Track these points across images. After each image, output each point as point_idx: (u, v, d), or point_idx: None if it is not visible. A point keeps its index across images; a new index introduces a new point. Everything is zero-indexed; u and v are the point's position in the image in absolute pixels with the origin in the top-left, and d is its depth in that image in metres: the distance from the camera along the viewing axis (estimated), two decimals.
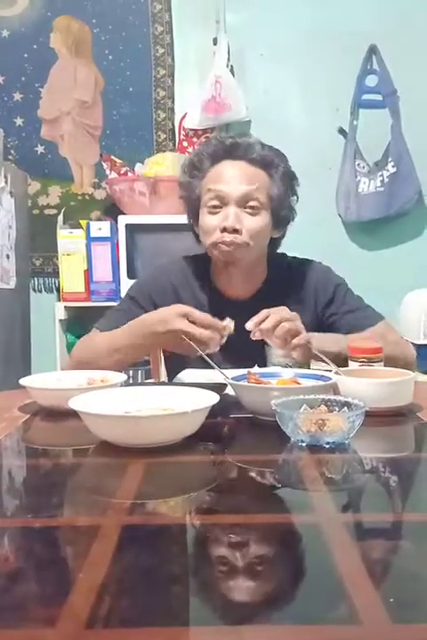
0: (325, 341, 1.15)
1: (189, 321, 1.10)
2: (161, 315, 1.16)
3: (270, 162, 1.29)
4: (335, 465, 0.79)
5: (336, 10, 2.75)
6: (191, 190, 1.32)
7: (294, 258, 1.42)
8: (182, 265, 1.41)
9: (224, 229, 1.24)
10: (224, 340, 1.10)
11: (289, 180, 1.32)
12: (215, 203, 1.26)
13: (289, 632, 0.43)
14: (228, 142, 1.30)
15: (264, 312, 1.10)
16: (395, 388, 0.98)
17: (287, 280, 1.35)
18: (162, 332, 1.13)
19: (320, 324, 1.33)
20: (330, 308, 1.35)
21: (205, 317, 1.10)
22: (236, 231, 1.24)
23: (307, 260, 1.42)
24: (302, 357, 1.12)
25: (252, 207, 1.26)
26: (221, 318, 1.14)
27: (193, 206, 1.33)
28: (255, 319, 1.10)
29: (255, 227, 1.26)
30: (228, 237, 1.24)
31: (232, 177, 1.26)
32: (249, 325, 1.09)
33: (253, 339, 1.11)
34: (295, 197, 1.35)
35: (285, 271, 1.37)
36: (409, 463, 0.84)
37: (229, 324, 1.10)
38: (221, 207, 1.26)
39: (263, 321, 1.09)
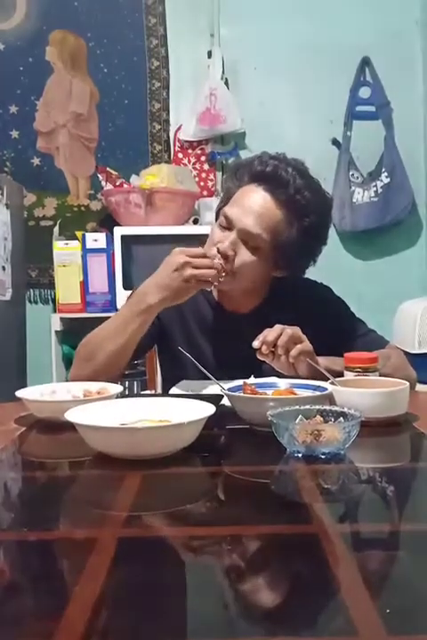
0: (328, 361, 1.15)
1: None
2: (160, 279, 1.17)
3: (301, 208, 1.22)
4: (331, 475, 0.80)
5: (329, 23, 2.78)
6: (226, 193, 1.32)
7: (298, 277, 1.38)
8: None
9: (218, 249, 1.22)
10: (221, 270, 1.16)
11: (317, 233, 1.27)
12: (224, 223, 1.25)
13: None
14: (269, 169, 1.24)
15: (267, 329, 1.11)
16: (390, 398, 0.99)
17: (289, 298, 1.32)
18: (173, 289, 1.15)
19: (321, 345, 1.24)
20: (336, 333, 1.30)
21: (198, 250, 1.15)
22: (226, 257, 1.21)
23: (310, 280, 1.40)
24: (306, 375, 1.12)
25: (251, 247, 1.23)
26: (222, 332, 1.14)
27: (217, 211, 1.33)
28: (260, 337, 1.10)
29: (247, 263, 1.23)
30: (216, 259, 1.21)
31: (248, 208, 1.22)
32: (255, 344, 1.10)
33: (260, 357, 1.11)
34: (322, 246, 1.30)
35: (287, 289, 1.33)
36: (405, 473, 0.84)
37: (218, 258, 1.17)
38: (227, 229, 1.24)
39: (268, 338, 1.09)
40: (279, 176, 1.23)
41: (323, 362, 1.12)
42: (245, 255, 1.23)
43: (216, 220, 1.32)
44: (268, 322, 1.15)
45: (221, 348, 1.28)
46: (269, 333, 1.10)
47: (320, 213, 1.26)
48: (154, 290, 1.17)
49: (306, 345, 1.11)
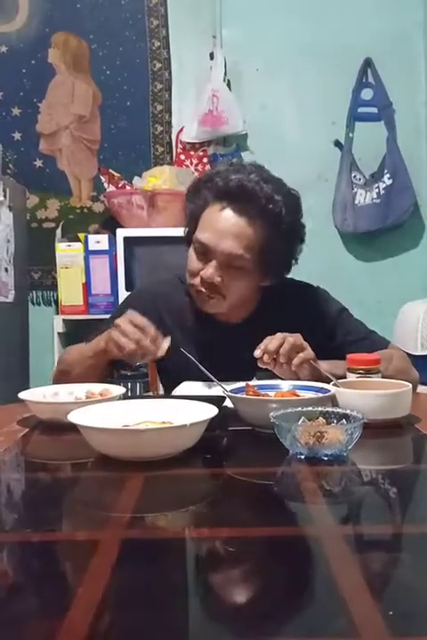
0: (330, 365, 1.15)
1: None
2: (101, 337, 1.21)
3: (275, 216, 1.19)
4: (334, 477, 0.80)
5: (332, 24, 2.78)
6: (191, 215, 1.28)
7: (292, 280, 1.36)
8: (170, 287, 1.39)
9: (201, 278, 1.21)
10: (160, 355, 1.12)
11: (295, 233, 1.25)
12: (201, 250, 1.21)
13: None
14: (233, 184, 1.19)
15: (268, 338, 1.09)
16: (393, 400, 0.98)
17: (282, 304, 1.29)
18: (102, 347, 1.19)
19: (323, 350, 1.23)
20: (336, 337, 1.30)
21: (141, 321, 1.12)
22: (213, 286, 1.20)
23: (305, 283, 1.38)
24: (309, 379, 1.11)
25: (236, 267, 1.20)
26: (214, 343, 1.14)
27: (188, 232, 1.29)
28: (261, 346, 1.08)
29: (235, 284, 1.22)
30: (204, 288, 1.21)
31: (225, 231, 1.18)
32: (257, 353, 1.08)
33: (261, 365, 1.10)
34: (301, 245, 1.27)
35: (280, 295, 1.30)
36: (408, 475, 0.84)
37: (164, 343, 1.13)
38: (205, 255, 1.21)
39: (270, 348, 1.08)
40: (246, 190, 1.18)
41: (325, 366, 1.11)
42: (231, 277, 1.21)
43: (188, 245, 1.28)
44: (261, 329, 1.13)
45: (213, 359, 1.17)
46: (271, 342, 1.08)
47: (293, 211, 1.23)
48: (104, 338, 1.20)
49: (308, 353, 1.10)
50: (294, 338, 1.09)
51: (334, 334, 1.31)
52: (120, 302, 1.47)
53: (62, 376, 1.31)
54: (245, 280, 1.23)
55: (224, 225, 1.19)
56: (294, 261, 1.29)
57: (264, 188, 1.19)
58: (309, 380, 1.11)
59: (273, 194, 1.19)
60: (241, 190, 1.18)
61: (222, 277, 1.21)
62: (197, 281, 1.23)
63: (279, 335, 1.09)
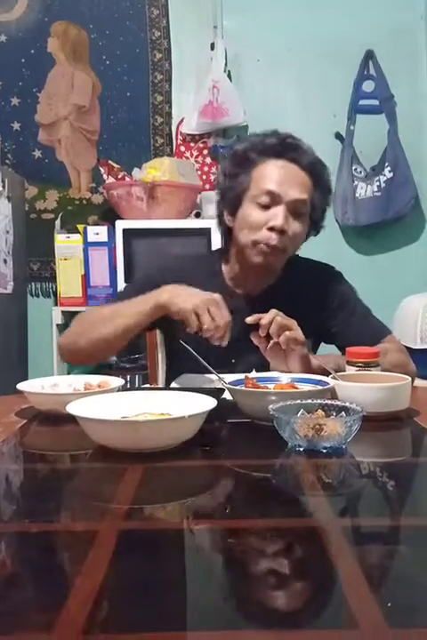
0: (322, 358, 1.16)
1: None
2: (188, 295, 1.15)
3: (318, 172, 1.30)
4: (333, 470, 0.79)
5: (333, 16, 2.76)
6: (237, 181, 1.30)
7: (308, 259, 1.42)
8: (191, 260, 1.43)
9: (271, 229, 1.24)
10: (222, 344, 1.12)
11: (328, 193, 1.34)
12: (266, 201, 1.25)
13: (287, 636, 0.43)
14: (284, 139, 1.29)
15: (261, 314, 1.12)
16: (392, 393, 0.98)
17: (298, 280, 1.34)
18: (185, 307, 1.12)
19: (327, 328, 1.34)
20: (338, 314, 1.34)
21: (214, 322, 1.11)
22: (282, 233, 1.24)
23: (321, 262, 1.43)
24: (298, 370, 1.12)
25: (298, 214, 1.26)
26: (234, 314, 1.14)
27: (234, 197, 1.30)
28: (255, 315, 1.12)
29: (298, 232, 1.27)
30: (274, 240, 1.24)
31: (288, 179, 1.25)
32: (249, 319, 1.12)
33: (254, 340, 1.13)
34: (327, 210, 1.36)
35: (297, 271, 1.36)
36: (406, 468, 0.84)
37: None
38: (269, 207, 1.25)
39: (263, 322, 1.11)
40: (296, 146, 1.29)
41: (315, 361, 1.14)
42: (295, 226, 1.27)
43: (230, 206, 1.31)
44: (279, 303, 1.16)
45: (234, 330, 1.21)
46: (264, 317, 1.11)
47: (328, 173, 1.34)
48: (173, 293, 1.17)
49: (296, 333, 1.11)
50: (283, 318, 1.10)
51: (339, 311, 1.35)
52: (143, 273, 1.47)
53: (79, 338, 1.27)
54: (302, 231, 1.29)
55: (288, 173, 1.26)
56: (322, 225, 1.36)
57: (305, 145, 1.31)
58: (297, 371, 1.11)
59: (312, 151, 1.32)
60: (290, 146, 1.28)
61: (288, 224, 1.26)
62: (262, 234, 1.25)
63: (272, 311, 1.11)
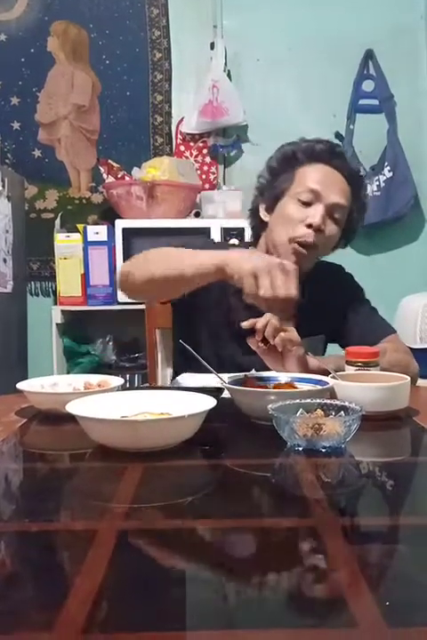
0: (322, 358, 1.16)
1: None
2: (256, 255, 1.09)
3: (358, 185, 1.33)
4: (332, 469, 0.80)
5: (333, 15, 2.76)
6: (280, 177, 1.32)
7: (323, 261, 1.43)
8: (224, 247, 1.44)
9: (309, 226, 1.25)
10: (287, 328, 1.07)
11: (364, 208, 1.37)
12: (308, 198, 1.27)
13: (286, 636, 0.43)
14: (332, 146, 1.32)
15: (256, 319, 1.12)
16: (391, 393, 0.99)
17: (317, 281, 1.36)
18: (247, 268, 1.01)
19: (337, 328, 1.37)
20: (348, 314, 1.37)
21: (294, 291, 1.01)
22: (319, 231, 1.26)
23: (333, 263, 1.46)
24: (297, 370, 1.12)
25: (335, 218, 1.28)
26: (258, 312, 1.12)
27: (275, 193, 1.32)
28: (251, 320, 1.11)
29: (332, 235, 1.30)
30: (310, 237, 1.25)
31: (332, 183, 1.28)
32: (245, 324, 1.11)
33: (251, 345, 1.12)
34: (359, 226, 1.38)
35: (316, 272, 1.37)
36: (405, 467, 0.84)
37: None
38: (309, 205, 1.27)
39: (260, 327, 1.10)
40: (343, 154, 1.33)
41: (314, 361, 1.14)
42: (331, 228, 1.29)
43: (269, 200, 1.32)
44: (308, 305, 1.17)
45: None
46: (259, 321, 1.11)
47: (365, 188, 1.38)
48: (238, 254, 1.07)
49: (291, 334, 1.11)
50: (276, 321, 1.10)
51: (347, 309, 1.37)
52: (204, 240, 1.46)
53: (135, 270, 1.20)
54: (335, 235, 1.31)
55: (332, 178, 1.29)
56: (352, 238, 1.39)
57: (350, 156, 1.40)
58: (298, 372, 1.11)
59: (358, 164, 1.38)
60: (338, 154, 1.32)
61: (325, 225, 1.27)
62: (299, 230, 1.26)
63: (266, 315, 1.11)
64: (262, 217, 1.35)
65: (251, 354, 1.16)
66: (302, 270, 1.30)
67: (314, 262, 1.33)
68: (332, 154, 1.30)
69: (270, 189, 1.34)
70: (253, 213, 1.39)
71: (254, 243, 1.40)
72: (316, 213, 1.25)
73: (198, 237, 1.40)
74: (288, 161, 1.32)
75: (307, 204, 1.27)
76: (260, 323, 1.10)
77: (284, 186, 1.31)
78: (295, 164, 1.31)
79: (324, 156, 1.30)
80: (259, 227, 1.37)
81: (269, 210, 1.33)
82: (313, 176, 1.29)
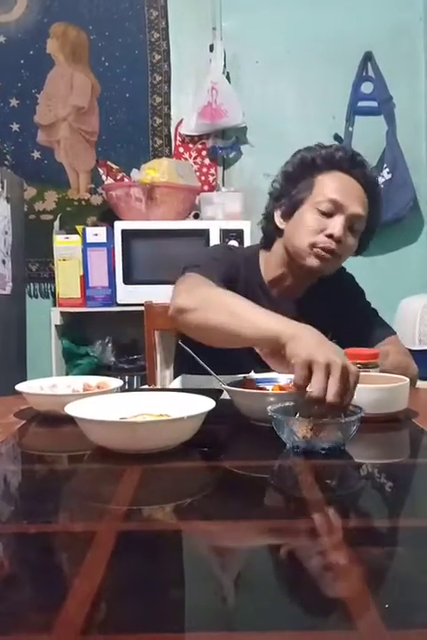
0: None
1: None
2: (318, 343, 0.89)
3: (376, 195, 1.31)
4: (331, 471, 0.79)
5: (332, 18, 2.77)
6: (299, 185, 1.30)
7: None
8: (239, 250, 1.44)
9: (330, 236, 1.24)
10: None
11: (378, 219, 1.36)
12: (329, 209, 1.25)
13: (284, 637, 0.43)
14: (352, 155, 1.29)
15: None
16: (390, 394, 0.99)
17: (324, 286, 1.35)
18: (300, 354, 0.87)
19: (339, 330, 1.33)
20: (351, 316, 1.36)
21: (350, 399, 0.85)
22: (340, 242, 1.24)
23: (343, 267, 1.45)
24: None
25: (354, 229, 1.28)
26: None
27: (292, 201, 1.30)
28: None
29: (351, 246, 1.29)
30: (332, 245, 1.24)
31: (352, 193, 1.26)
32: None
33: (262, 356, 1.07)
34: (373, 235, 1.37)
35: (332, 278, 1.34)
36: (405, 469, 0.84)
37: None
38: (330, 215, 1.25)
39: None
40: (364, 164, 1.30)
41: None
42: (350, 239, 1.28)
43: (286, 207, 1.30)
44: (314, 309, 1.18)
45: None
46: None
47: (381, 198, 1.37)
48: (297, 333, 0.92)
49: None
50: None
51: (349, 310, 1.38)
52: (215, 246, 1.43)
53: (199, 313, 1.10)
54: (354, 246, 1.30)
55: (352, 188, 1.27)
56: (366, 247, 1.38)
57: (369, 165, 1.33)
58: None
59: (375, 176, 1.35)
60: (359, 163, 1.29)
61: (345, 236, 1.27)
62: (321, 239, 1.25)
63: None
64: (278, 224, 1.32)
65: (253, 357, 1.16)
66: (323, 275, 1.31)
67: (333, 271, 1.31)
68: (352, 163, 1.28)
69: (287, 196, 1.31)
70: (268, 219, 1.36)
71: (268, 247, 1.38)
72: (336, 224, 1.24)
73: (219, 246, 1.38)
74: (307, 168, 1.29)
75: (327, 214, 1.25)
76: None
77: (302, 194, 1.28)
78: (314, 171, 1.28)
79: (344, 165, 1.27)
80: (273, 233, 1.35)
81: (286, 217, 1.31)
82: (333, 185, 1.26)
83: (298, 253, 1.28)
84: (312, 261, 1.26)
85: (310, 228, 1.26)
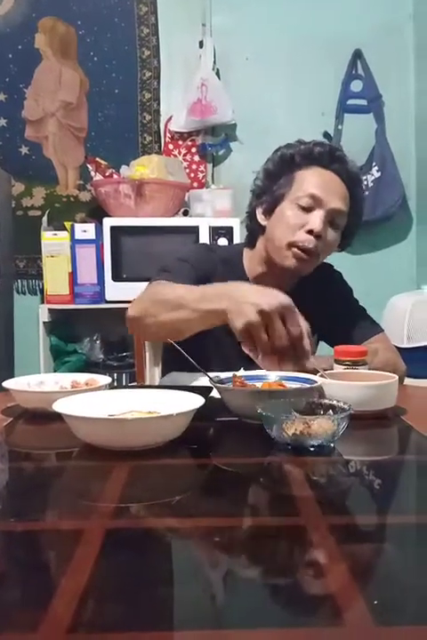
0: (316, 358, 1.16)
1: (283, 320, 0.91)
2: (257, 294, 0.94)
3: (357, 189, 1.32)
4: (320, 468, 0.80)
5: (322, 15, 2.77)
6: (279, 181, 1.30)
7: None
8: (221, 250, 1.43)
9: (310, 232, 1.24)
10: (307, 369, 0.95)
11: (361, 212, 1.36)
12: (308, 204, 1.25)
13: (274, 635, 0.43)
14: (331, 150, 1.29)
15: None
16: (379, 392, 0.99)
17: (312, 283, 1.35)
18: (246, 313, 0.90)
19: (325, 327, 1.35)
20: (337, 313, 1.37)
21: (300, 331, 0.90)
22: (319, 237, 1.24)
23: (324, 262, 1.43)
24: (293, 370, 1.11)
25: (335, 223, 1.27)
26: None
27: (273, 197, 1.30)
28: None
29: (332, 242, 1.29)
30: (311, 243, 1.24)
31: (332, 188, 1.26)
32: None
33: (246, 351, 1.09)
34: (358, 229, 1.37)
35: (311, 275, 1.35)
36: (393, 466, 0.84)
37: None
38: (310, 210, 1.25)
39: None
40: (343, 158, 1.29)
41: (309, 362, 1.13)
42: (331, 235, 1.28)
43: (267, 204, 1.30)
44: (300, 307, 1.15)
45: None
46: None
47: (364, 198, 1.38)
48: (240, 303, 0.94)
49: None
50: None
51: (336, 308, 1.38)
52: (191, 247, 1.43)
53: (146, 317, 1.13)
54: (335, 241, 1.30)
55: (332, 183, 1.27)
56: (349, 243, 1.38)
57: (351, 159, 1.32)
58: (292, 371, 1.11)
59: (357, 168, 1.34)
60: (338, 157, 1.29)
61: (325, 231, 1.26)
62: (300, 236, 1.25)
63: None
64: (260, 221, 1.33)
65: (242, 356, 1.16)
66: (302, 274, 1.31)
67: (314, 267, 1.31)
68: (331, 157, 1.28)
69: (268, 193, 1.31)
70: (250, 216, 1.37)
71: (252, 245, 1.38)
72: (316, 219, 1.24)
73: (196, 247, 1.38)
74: (286, 164, 1.30)
75: (307, 210, 1.25)
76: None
77: (282, 190, 1.29)
78: (294, 167, 1.29)
79: (323, 160, 1.28)
80: (256, 230, 1.35)
81: (267, 214, 1.32)
82: (313, 180, 1.27)
83: (276, 252, 1.28)
84: (290, 262, 1.27)
85: (289, 224, 1.26)
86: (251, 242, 1.38)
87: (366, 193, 2.75)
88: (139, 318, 1.16)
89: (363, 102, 2.81)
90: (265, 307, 0.89)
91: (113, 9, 2.78)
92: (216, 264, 1.33)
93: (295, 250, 1.25)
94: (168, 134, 2.83)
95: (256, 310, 0.90)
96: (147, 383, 1.56)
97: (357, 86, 2.83)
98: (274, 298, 0.92)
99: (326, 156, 1.28)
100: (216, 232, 2.42)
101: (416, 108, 2.83)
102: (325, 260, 1.46)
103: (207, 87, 2.71)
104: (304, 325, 0.92)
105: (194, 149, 2.83)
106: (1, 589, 0.49)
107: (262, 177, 1.34)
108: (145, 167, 2.52)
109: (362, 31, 2.77)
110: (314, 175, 1.27)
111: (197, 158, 2.84)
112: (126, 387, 1.90)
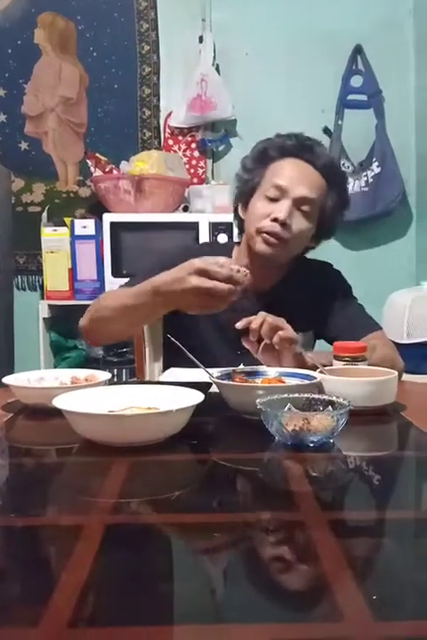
0: (314, 355, 1.16)
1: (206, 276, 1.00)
2: (174, 274, 1.04)
3: (333, 176, 1.32)
4: (319, 463, 0.80)
5: (322, 10, 2.76)
6: (252, 174, 1.34)
7: (312, 259, 1.47)
8: (205, 249, 1.44)
9: (275, 220, 1.26)
10: (241, 287, 1.02)
11: (343, 203, 1.36)
12: (275, 194, 1.28)
13: (272, 629, 0.43)
14: (302, 140, 1.32)
15: (251, 317, 1.11)
16: (379, 388, 0.99)
17: (304, 278, 1.38)
18: (178, 290, 1.02)
19: (323, 324, 1.37)
20: (335, 311, 1.38)
21: (222, 271, 1.00)
22: (284, 225, 1.26)
23: (320, 260, 1.48)
24: (292, 366, 1.12)
25: (304, 211, 1.29)
26: (243, 311, 1.12)
27: (248, 190, 1.35)
28: (244, 320, 1.10)
29: (302, 229, 1.30)
30: (276, 228, 1.26)
31: (298, 177, 1.29)
32: (239, 325, 1.10)
33: (245, 345, 1.12)
34: (342, 218, 1.39)
35: (303, 270, 1.40)
36: (392, 462, 0.84)
37: (243, 271, 1.01)
38: (277, 200, 1.28)
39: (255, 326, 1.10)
40: (313, 147, 1.32)
41: (307, 358, 1.13)
42: (300, 222, 1.29)
43: (244, 198, 1.35)
44: (285, 301, 1.19)
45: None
46: (253, 321, 1.10)
47: (345, 183, 1.39)
48: (167, 291, 1.05)
49: (288, 332, 1.10)
50: (273, 319, 1.10)
51: (333, 305, 1.38)
52: (163, 255, 1.44)
53: (101, 324, 1.23)
54: (306, 229, 1.31)
55: (300, 172, 1.30)
56: (334, 232, 1.40)
57: (324, 149, 1.36)
58: (292, 367, 1.11)
59: (332, 158, 1.38)
60: (311, 147, 1.31)
61: (292, 219, 1.28)
62: (265, 223, 1.28)
63: (261, 314, 1.10)
64: (241, 215, 1.38)
65: (241, 351, 1.16)
66: (276, 261, 1.32)
67: (288, 256, 1.33)
68: (301, 148, 1.31)
69: (245, 187, 1.36)
70: (235, 212, 1.41)
71: (239, 241, 1.43)
72: (281, 208, 1.27)
73: (172, 249, 1.42)
74: (260, 159, 1.34)
75: (274, 200, 1.28)
76: (254, 323, 1.09)
77: (255, 184, 1.33)
78: (267, 160, 1.33)
79: (294, 151, 1.31)
80: (240, 225, 1.40)
81: (245, 207, 1.36)
82: (281, 172, 1.30)
83: (249, 240, 1.32)
84: (260, 246, 1.29)
85: (256, 214, 1.30)
86: (239, 237, 1.43)
87: (366, 189, 2.75)
88: (88, 323, 1.26)
89: (363, 98, 2.81)
90: (183, 291, 1.01)
91: (112, 4, 2.77)
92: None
93: (264, 235, 1.28)
94: (168, 130, 2.83)
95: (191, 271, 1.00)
96: (146, 379, 1.56)
97: (357, 82, 2.82)
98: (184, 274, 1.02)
99: (297, 146, 1.31)
100: (216, 228, 2.42)
101: (416, 103, 2.82)
102: (324, 260, 1.46)
103: (207, 83, 2.70)
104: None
105: (194, 145, 2.83)
106: (2, 584, 0.49)
107: (241, 172, 1.38)
108: (145, 163, 2.51)
109: (362, 26, 2.76)
110: (283, 166, 1.31)
111: (196, 154, 2.83)
112: (126, 383, 1.90)
